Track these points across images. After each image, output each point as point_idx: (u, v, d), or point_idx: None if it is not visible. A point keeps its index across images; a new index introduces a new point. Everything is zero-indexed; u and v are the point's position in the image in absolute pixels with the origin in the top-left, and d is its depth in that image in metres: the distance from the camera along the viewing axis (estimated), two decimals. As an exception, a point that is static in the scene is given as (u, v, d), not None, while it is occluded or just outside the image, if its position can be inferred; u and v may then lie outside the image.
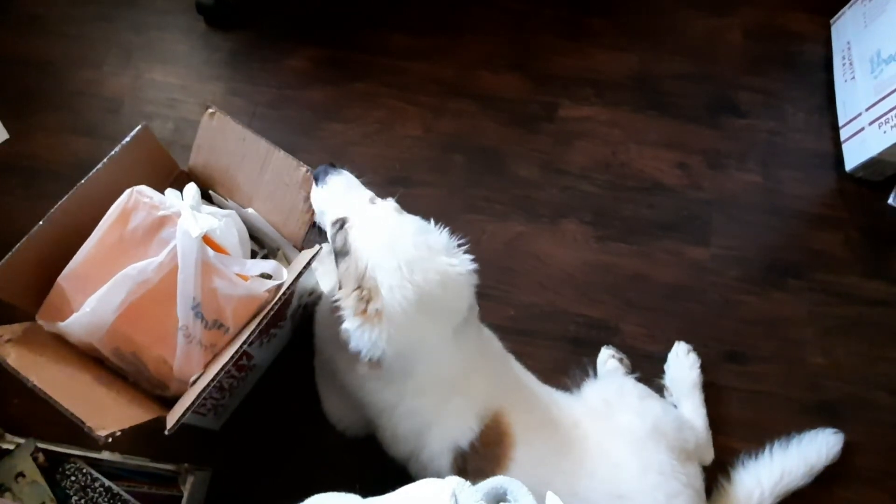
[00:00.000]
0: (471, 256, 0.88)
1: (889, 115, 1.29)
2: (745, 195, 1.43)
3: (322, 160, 1.44)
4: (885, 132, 1.30)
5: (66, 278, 1.00)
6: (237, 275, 1.01)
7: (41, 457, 1.04)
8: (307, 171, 1.07)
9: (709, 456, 1.14)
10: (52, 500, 1.02)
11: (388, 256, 0.82)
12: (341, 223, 0.89)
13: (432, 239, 0.86)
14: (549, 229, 1.40)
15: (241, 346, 0.95)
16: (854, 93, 1.42)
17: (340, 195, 0.93)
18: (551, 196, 1.43)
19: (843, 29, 1.52)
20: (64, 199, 1.02)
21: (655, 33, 1.60)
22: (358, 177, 0.98)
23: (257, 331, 0.97)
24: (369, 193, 0.95)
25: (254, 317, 0.99)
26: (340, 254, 0.88)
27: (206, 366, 0.99)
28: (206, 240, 1.01)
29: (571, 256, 1.37)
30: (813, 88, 1.54)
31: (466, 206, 1.42)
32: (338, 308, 0.86)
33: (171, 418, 0.91)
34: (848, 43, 1.48)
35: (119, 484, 1.06)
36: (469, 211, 1.41)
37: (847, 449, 1.15)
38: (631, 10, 1.63)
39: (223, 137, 1.15)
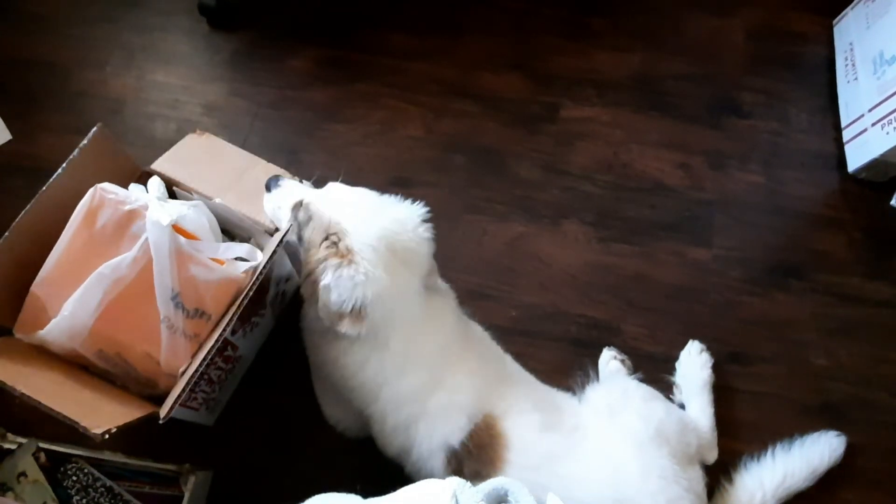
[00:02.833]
0: (424, 208, 0.96)
1: (892, 117, 1.28)
2: (747, 196, 1.43)
3: (323, 160, 1.46)
4: (887, 133, 1.29)
5: (39, 286, 0.98)
6: (213, 259, 1.00)
7: (43, 457, 1.04)
8: (291, 177, 1.11)
9: (712, 456, 1.14)
10: (53, 500, 1.02)
11: (345, 206, 0.93)
12: (299, 204, 0.97)
13: (384, 197, 0.96)
14: (550, 230, 1.40)
15: (225, 328, 0.94)
16: (857, 94, 1.42)
17: (292, 192, 1.01)
18: (552, 196, 1.43)
19: (846, 30, 1.52)
20: (27, 207, 0.99)
21: (657, 33, 1.60)
22: (351, 182, 1.02)
23: (238, 313, 0.96)
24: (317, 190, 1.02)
25: (233, 301, 0.99)
26: (302, 222, 0.96)
27: (193, 356, 0.98)
28: (177, 229, 0.99)
29: (573, 257, 1.37)
30: (815, 89, 1.53)
31: (467, 206, 1.42)
32: (310, 277, 0.92)
33: (165, 408, 0.91)
34: (850, 44, 1.48)
35: (121, 484, 1.06)
36: (470, 211, 1.41)
37: (849, 450, 1.15)
38: (632, 10, 1.63)
39: (205, 152, 1.16)
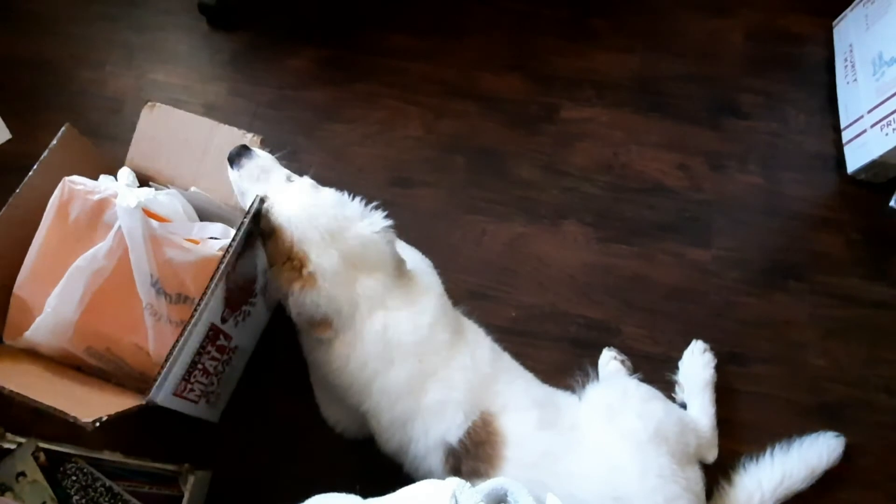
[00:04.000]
0: (384, 215, 0.98)
1: (891, 118, 1.29)
2: (746, 197, 1.43)
3: (322, 160, 1.46)
4: (886, 134, 1.30)
5: (21, 287, 0.98)
6: (188, 240, 1.00)
7: (42, 456, 1.04)
8: (253, 136, 1.10)
9: (711, 455, 1.14)
10: (52, 500, 1.02)
11: (310, 230, 0.92)
12: (261, 202, 0.96)
13: (347, 209, 0.97)
14: (549, 230, 1.40)
15: (199, 301, 0.93)
16: (856, 95, 1.42)
17: (257, 176, 1.00)
18: (552, 197, 1.43)
19: (846, 31, 1.52)
20: (1, 212, 0.99)
21: (656, 34, 1.60)
22: (273, 154, 1.03)
23: (222, 293, 0.96)
24: (286, 172, 1.02)
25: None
26: (265, 233, 0.96)
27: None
28: (150, 214, 0.99)
29: (572, 257, 1.37)
30: (814, 90, 1.54)
31: (467, 206, 1.42)
32: (274, 284, 0.95)
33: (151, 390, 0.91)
34: (850, 45, 1.48)
35: (120, 484, 1.06)
36: (469, 212, 1.41)
37: (848, 451, 1.15)
38: (632, 11, 1.63)
39: (165, 128, 1.16)
